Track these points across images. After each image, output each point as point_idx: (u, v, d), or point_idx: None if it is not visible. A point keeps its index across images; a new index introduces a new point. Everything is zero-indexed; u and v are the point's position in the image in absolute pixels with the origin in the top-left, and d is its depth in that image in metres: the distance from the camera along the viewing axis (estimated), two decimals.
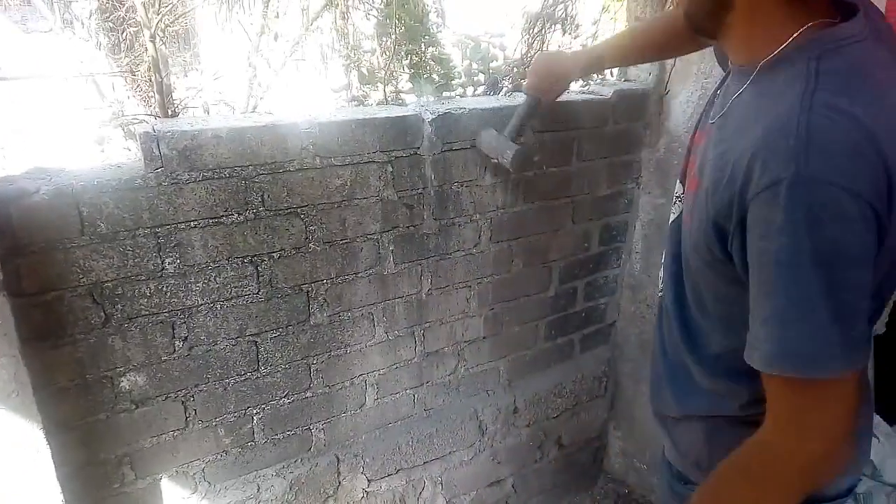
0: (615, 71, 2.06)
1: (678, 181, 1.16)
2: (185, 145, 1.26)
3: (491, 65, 2.29)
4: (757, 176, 0.77)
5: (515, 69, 2.13)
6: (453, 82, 2.23)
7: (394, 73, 2.38)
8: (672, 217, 1.14)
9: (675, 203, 1.15)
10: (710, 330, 1.01)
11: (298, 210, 1.43)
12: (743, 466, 0.89)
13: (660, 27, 1.41)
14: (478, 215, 1.72)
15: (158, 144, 1.24)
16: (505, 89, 2.07)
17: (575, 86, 1.92)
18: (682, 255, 1.03)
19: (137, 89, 2.45)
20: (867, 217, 0.74)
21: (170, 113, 1.95)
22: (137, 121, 2.14)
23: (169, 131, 1.26)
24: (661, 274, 1.16)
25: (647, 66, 1.96)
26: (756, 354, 0.81)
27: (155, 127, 1.27)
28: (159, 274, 1.30)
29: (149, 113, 2.17)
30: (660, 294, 1.19)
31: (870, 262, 0.76)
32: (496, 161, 1.57)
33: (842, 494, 1.04)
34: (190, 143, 1.27)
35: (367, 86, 2.38)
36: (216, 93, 2.55)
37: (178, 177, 1.27)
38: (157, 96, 1.93)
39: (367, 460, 1.73)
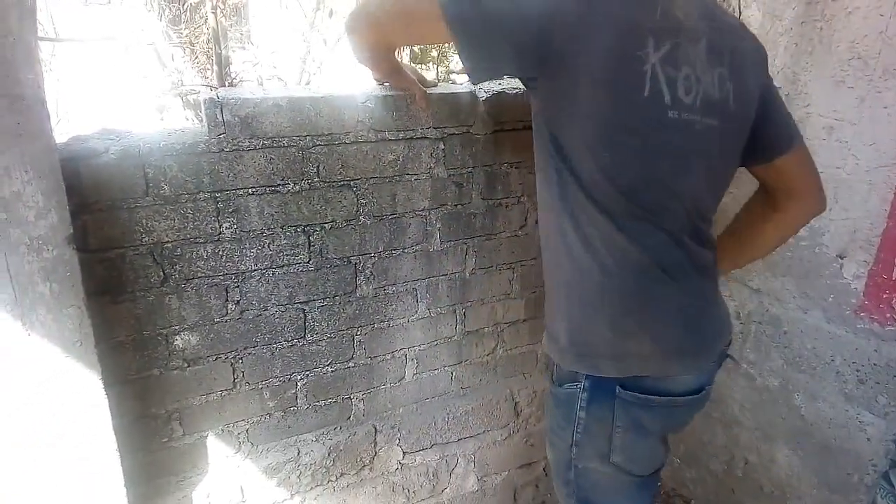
0: None
1: None
2: (248, 113, 1.29)
3: None
4: None
5: None
6: None
7: (446, 54, 2.39)
8: None
9: None
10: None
11: (351, 183, 1.46)
12: None
13: None
14: (525, 197, 1.72)
15: (222, 111, 1.27)
16: None
17: None
18: None
19: (195, 61, 2.51)
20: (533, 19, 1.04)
21: (227, 84, 1.99)
22: (196, 91, 2.20)
23: (232, 98, 1.29)
24: None
25: None
26: None
27: (219, 94, 1.30)
28: (216, 238, 1.34)
29: (206, 84, 2.22)
30: None
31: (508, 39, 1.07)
32: None
33: (680, 393, 1.23)
34: (252, 110, 1.30)
35: (420, 65, 2.39)
36: (270, 67, 2.60)
37: (240, 143, 1.30)
38: (214, 67, 1.99)
39: (404, 433, 1.76)
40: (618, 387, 1.18)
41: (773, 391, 1.94)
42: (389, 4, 1.19)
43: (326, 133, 1.39)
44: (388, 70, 1.41)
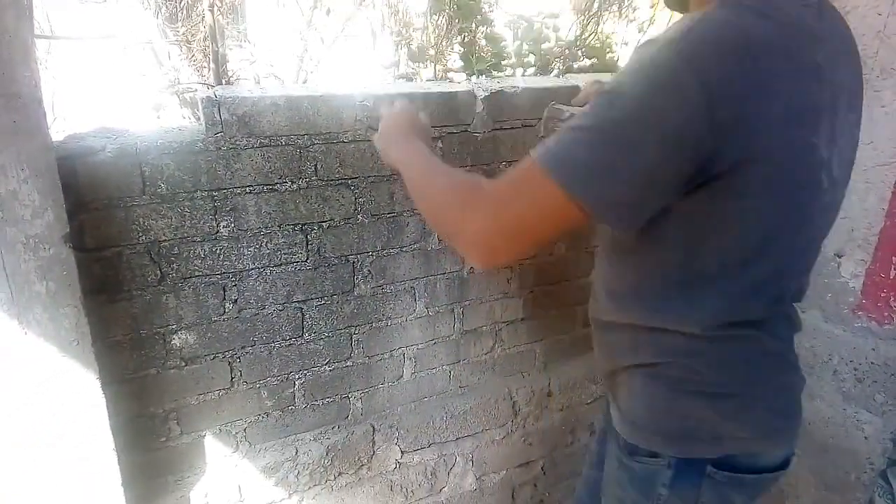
0: None
1: None
2: (245, 111, 1.29)
3: (542, 46, 2.28)
4: None
5: (568, 51, 2.11)
6: (503, 63, 2.22)
7: (444, 52, 2.38)
8: None
9: None
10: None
11: (349, 181, 1.45)
12: (459, 185, 0.93)
13: None
14: None
15: (219, 110, 1.27)
16: (556, 71, 2.06)
17: None
18: None
19: (192, 59, 2.50)
20: (700, 105, 0.76)
21: (223, 82, 1.99)
22: (192, 89, 2.20)
23: (230, 97, 1.29)
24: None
25: None
26: (539, 149, 0.84)
27: (216, 93, 1.30)
28: (214, 236, 1.34)
29: (203, 82, 2.22)
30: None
31: (677, 149, 0.79)
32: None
33: (771, 468, 1.08)
34: (249, 109, 1.29)
35: (417, 63, 2.39)
36: (267, 65, 2.59)
37: (237, 142, 1.30)
38: (211, 65, 1.98)
39: (402, 432, 1.76)
40: (709, 466, 1.04)
41: None
42: (508, 217, 0.86)
43: (325, 132, 1.39)
44: (395, 138, 1.19)
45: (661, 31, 0.89)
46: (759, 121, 0.80)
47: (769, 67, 0.80)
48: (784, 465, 1.11)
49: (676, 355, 1.01)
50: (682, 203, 0.86)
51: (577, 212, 0.81)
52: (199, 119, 1.31)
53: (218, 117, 1.27)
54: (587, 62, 2.24)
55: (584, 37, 2.14)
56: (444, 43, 2.43)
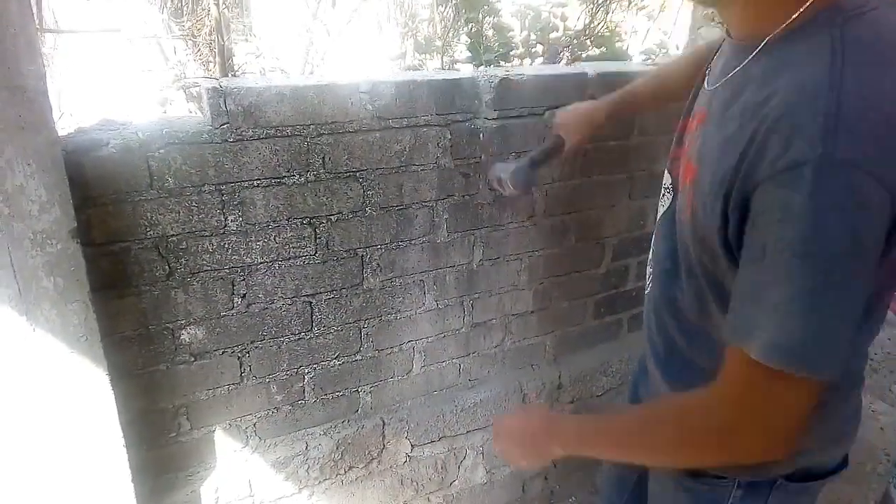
0: (681, 44, 1.99)
1: (665, 171, 1.09)
2: (251, 102, 1.28)
3: (550, 35, 2.25)
4: (774, 154, 0.70)
5: (576, 41, 2.09)
6: (511, 53, 2.20)
7: (450, 43, 2.36)
8: (661, 210, 1.08)
9: (663, 196, 1.08)
10: (713, 330, 0.93)
11: (357, 174, 1.44)
12: (680, 414, 0.87)
13: (689, 63, 1.29)
14: (533, 187, 1.70)
15: (225, 100, 1.25)
16: (564, 61, 2.03)
17: (638, 59, 1.87)
18: (680, 250, 0.96)
19: (198, 53, 2.49)
20: (884, 205, 0.68)
21: (230, 76, 1.97)
22: (198, 84, 2.18)
23: (235, 87, 1.27)
24: (650, 270, 1.10)
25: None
26: (756, 343, 0.74)
27: (222, 83, 1.29)
28: (222, 231, 1.32)
29: (209, 76, 2.21)
30: (646, 292, 1.12)
31: (875, 257, 0.71)
32: (500, 179, 1.50)
33: (824, 474, 1.02)
34: (255, 99, 1.28)
35: (423, 55, 2.37)
36: (273, 59, 2.58)
37: (243, 133, 1.28)
38: (217, 59, 1.97)
39: (412, 426, 1.75)
40: (780, 479, 1.00)
41: None
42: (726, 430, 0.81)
43: (330, 122, 1.37)
44: None
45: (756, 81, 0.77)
46: None
47: None
48: (844, 463, 1.06)
49: None
50: None
51: (822, 384, 0.74)
52: (204, 112, 1.30)
53: (223, 108, 1.26)
54: (596, 51, 2.22)
55: (592, 25, 2.11)
56: (450, 34, 2.41)
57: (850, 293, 0.71)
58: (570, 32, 2.15)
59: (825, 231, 0.68)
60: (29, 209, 1.00)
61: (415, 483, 1.82)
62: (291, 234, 1.41)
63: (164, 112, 2.17)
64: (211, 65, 2.43)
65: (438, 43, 2.32)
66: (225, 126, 1.27)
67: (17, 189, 0.98)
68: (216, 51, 1.83)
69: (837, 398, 0.95)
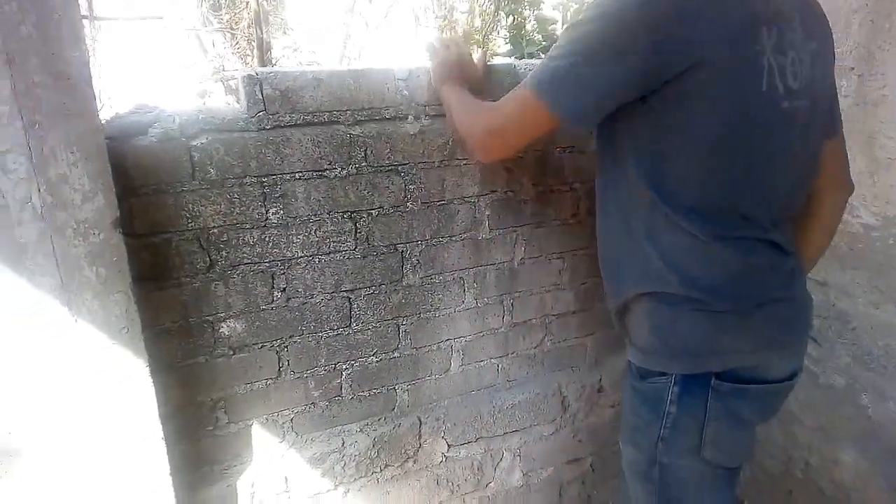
0: None
1: None
2: (287, 86, 1.25)
3: None
4: None
5: None
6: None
7: (490, 36, 2.31)
8: None
9: None
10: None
11: (399, 168, 1.40)
12: (477, 107, 1.25)
13: None
14: (578, 184, 1.64)
15: (261, 86, 1.24)
16: None
17: None
18: None
19: (236, 46, 2.48)
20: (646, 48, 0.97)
21: (269, 68, 1.95)
22: (236, 77, 2.17)
23: (271, 73, 1.26)
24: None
25: None
26: (528, 80, 1.09)
27: (257, 70, 1.27)
28: (263, 223, 1.30)
29: (246, 68, 2.20)
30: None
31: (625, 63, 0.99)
32: None
33: (775, 380, 1.19)
34: (291, 84, 1.26)
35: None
36: (309, 52, 2.56)
37: (280, 119, 1.26)
38: (256, 52, 1.95)
39: (449, 425, 1.71)
40: (713, 378, 1.13)
41: (837, 390, 1.84)
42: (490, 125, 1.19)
43: (367, 107, 1.34)
44: (447, 76, 1.38)
45: None
46: (695, 36, 0.96)
47: None
48: (790, 377, 1.21)
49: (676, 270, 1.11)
50: (632, 121, 1.07)
51: (552, 122, 1.09)
52: (239, 101, 1.29)
53: (259, 95, 1.24)
54: None
55: None
56: (490, 26, 2.35)
57: (596, 70, 1.01)
58: None
59: (590, 33, 1.01)
60: (72, 198, 0.98)
61: (450, 483, 1.79)
62: (332, 227, 1.38)
63: (203, 103, 2.17)
64: (249, 58, 2.42)
65: (478, 36, 2.27)
66: (261, 113, 1.26)
67: (60, 178, 0.97)
68: (255, 44, 1.82)
69: (743, 288, 1.11)
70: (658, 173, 1.08)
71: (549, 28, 2.21)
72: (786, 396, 1.27)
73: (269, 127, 1.27)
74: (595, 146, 1.23)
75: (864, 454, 1.81)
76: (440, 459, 1.74)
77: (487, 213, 1.55)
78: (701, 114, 1.01)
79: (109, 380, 1.11)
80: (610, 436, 2.03)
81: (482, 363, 1.74)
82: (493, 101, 1.22)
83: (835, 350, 1.82)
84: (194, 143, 1.19)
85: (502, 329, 1.72)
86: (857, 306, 1.76)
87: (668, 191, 1.07)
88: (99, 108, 1.02)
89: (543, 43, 2.05)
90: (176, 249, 1.25)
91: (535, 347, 1.80)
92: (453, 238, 1.54)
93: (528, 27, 2.11)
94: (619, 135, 1.13)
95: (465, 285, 1.61)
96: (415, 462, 1.70)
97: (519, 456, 1.87)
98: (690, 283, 1.10)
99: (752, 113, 1.02)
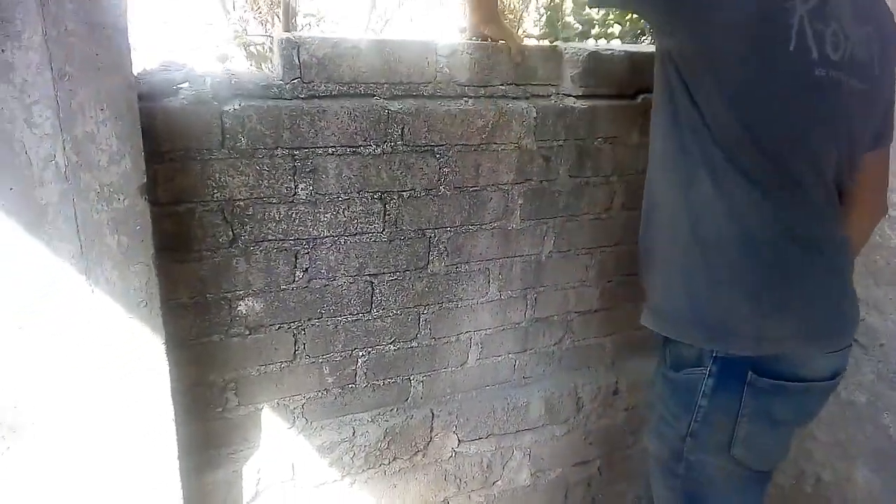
0: None
1: None
2: (325, 53, 1.18)
3: (628, 16, 2.11)
4: None
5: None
6: (591, 31, 2.06)
7: (523, 16, 2.23)
8: None
9: None
10: None
11: (435, 149, 1.33)
12: None
13: None
14: (615, 177, 1.58)
15: (298, 51, 1.16)
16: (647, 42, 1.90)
17: None
18: None
19: (258, 10, 2.39)
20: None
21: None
22: (259, 42, 2.08)
23: (310, 38, 1.19)
24: None
25: None
26: None
27: (294, 34, 1.19)
28: (291, 199, 1.23)
29: (269, 34, 2.11)
30: None
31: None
32: None
33: (816, 379, 1.14)
34: (330, 51, 1.18)
35: None
36: (333, 22, 2.47)
37: (315, 88, 1.20)
38: (281, 17, 1.86)
39: (461, 420, 1.66)
40: (750, 371, 1.08)
41: (858, 407, 1.80)
42: None
43: (406, 81, 1.28)
44: (489, 15, 1.31)
45: None
46: None
47: None
48: (832, 377, 1.14)
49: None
50: (669, 48, 1.05)
51: None
52: (270, 69, 1.21)
53: (296, 60, 1.17)
54: None
55: None
56: (521, 6, 2.27)
57: None
58: None
59: None
60: (98, 159, 0.91)
61: (458, 479, 1.73)
62: (361, 208, 1.31)
63: (225, 67, 2.08)
64: (269, 25, 2.33)
65: (510, 16, 2.19)
66: (296, 81, 1.19)
67: (86, 136, 0.89)
68: (282, 8, 1.73)
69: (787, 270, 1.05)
70: (702, 114, 1.04)
71: (584, 14, 2.13)
72: (826, 399, 1.22)
73: (303, 96, 1.20)
74: (654, 107, 1.18)
75: (879, 473, 1.78)
76: (450, 454, 1.69)
77: (520, 202, 1.49)
78: (725, 55, 1.00)
79: (123, 356, 1.04)
80: (620, 439, 1.98)
81: (499, 358, 1.68)
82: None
83: (860, 366, 1.78)
84: (226, 109, 1.12)
85: (523, 324, 1.66)
86: (887, 323, 1.71)
87: (716, 134, 1.03)
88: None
89: (579, 27, 1.97)
90: (199, 221, 1.18)
91: (554, 345, 1.74)
92: (483, 226, 1.47)
93: (565, 10, 2.03)
94: (664, 72, 1.09)
95: (491, 276, 1.55)
96: (424, 456, 1.65)
97: (529, 455, 1.82)
98: (745, 244, 1.06)
99: (775, 66, 0.99)
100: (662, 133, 1.13)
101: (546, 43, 1.98)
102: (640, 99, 1.50)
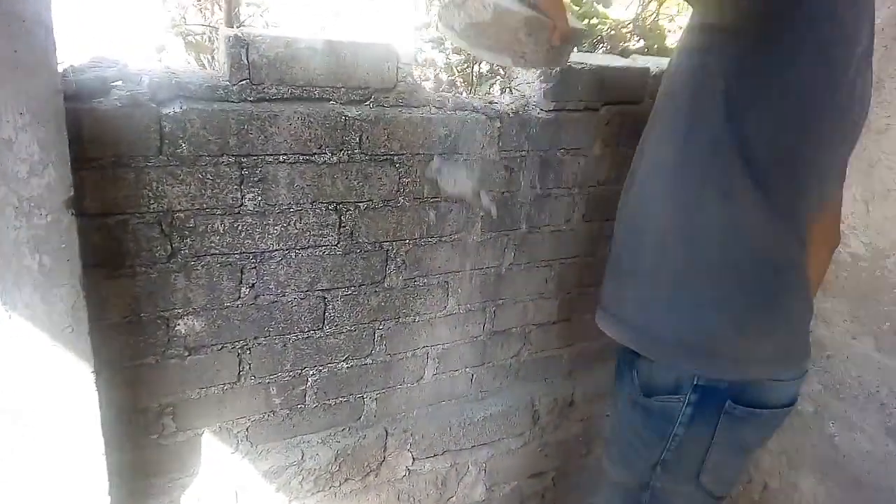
0: None
1: None
2: (278, 54, 1.08)
3: (590, 22, 2.08)
4: None
5: (622, 30, 1.92)
6: None
7: None
8: None
9: None
10: None
11: (395, 158, 1.26)
12: None
13: None
14: (576, 189, 1.54)
15: (247, 51, 1.06)
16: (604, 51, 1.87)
17: None
18: None
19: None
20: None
21: (235, 26, 1.75)
22: (199, 31, 1.95)
23: (260, 36, 1.09)
24: None
25: None
26: None
27: (244, 32, 1.09)
28: (237, 210, 1.13)
29: (210, 24, 1.98)
30: None
31: None
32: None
33: (781, 404, 1.12)
34: (283, 51, 1.09)
35: None
36: (278, 15, 2.35)
37: (265, 91, 1.09)
38: (224, 5, 1.74)
39: (416, 437, 1.59)
40: (729, 401, 1.05)
41: (805, 416, 1.83)
42: None
43: (364, 86, 1.19)
44: None
45: None
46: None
47: None
48: (792, 402, 1.14)
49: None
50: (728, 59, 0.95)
51: None
52: (205, 64, 1.10)
53: (245, 60, 1.07)
54: (638, 44, 2.05)
55: (645, 16, 1.95)
56: None
57: None
58: (614, 22, 1.98)
59: None
60: (16, 170, 0.79)
61: (411, 498, 1.67)
62: (314, 220, 1.23)
63: (160, 60, 1.93)
64: (209, 12, 2.19)
65: None
66: (244, 82, 1.08)
67: (4, 143, 0.77)
68: None
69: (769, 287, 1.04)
70: (738, 127, 0.98)
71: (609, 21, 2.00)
72: (782, 423, 1.21)
73: (252, 99, 1.10)
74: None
75: (823, 482, 1.81)
76: (403, 473, 1.62)
77: (482, 214, 1.43)
78: (796, 75, 0.95)
79: (47, 385, 0.93)
80: (575, 450, 1.96)
81: (456, 372, 1.62)
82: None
83: (807, 376, 1.80)
84: (166, 112, 1.01)
85: (482, 337, 1.61)
86: (833, 335, 1.74)
87: (749, 150, 0.97)
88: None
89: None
90: (133, 234, 1.06)
91: (512, 357, 1.70)
92: (443, 239, 1.41)
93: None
94: (704, 81, 1.01)
95: (450, 290, 1.48)
96: (376, 476, 1.57)
97: (484, 470, 1.77)
98: (745, 263, 1.03)
99: (833, 96, 0.97)
100: (671, 149, 1.05)
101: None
102: (602, 110, 1.46)
